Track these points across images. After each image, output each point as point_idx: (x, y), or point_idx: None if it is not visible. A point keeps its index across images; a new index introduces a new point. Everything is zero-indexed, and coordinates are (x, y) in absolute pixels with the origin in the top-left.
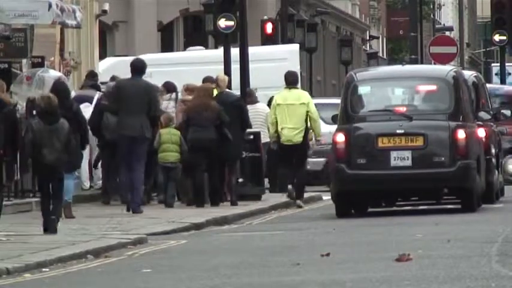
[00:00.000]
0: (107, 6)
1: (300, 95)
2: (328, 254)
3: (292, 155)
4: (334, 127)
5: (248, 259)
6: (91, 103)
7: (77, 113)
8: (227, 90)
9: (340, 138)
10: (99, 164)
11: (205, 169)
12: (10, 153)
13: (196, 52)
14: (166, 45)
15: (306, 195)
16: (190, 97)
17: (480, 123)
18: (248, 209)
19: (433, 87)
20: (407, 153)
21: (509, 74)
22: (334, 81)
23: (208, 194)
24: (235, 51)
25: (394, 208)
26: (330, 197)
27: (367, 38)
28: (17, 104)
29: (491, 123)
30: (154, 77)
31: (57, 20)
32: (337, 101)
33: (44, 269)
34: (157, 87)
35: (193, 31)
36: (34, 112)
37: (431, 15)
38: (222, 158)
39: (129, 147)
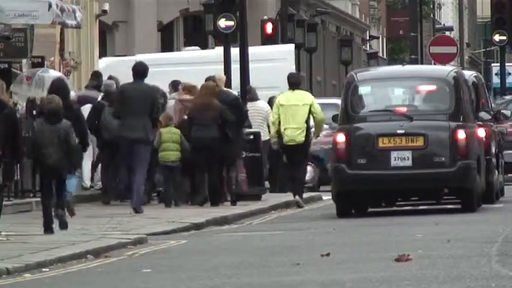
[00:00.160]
0: (107, 6)
1: (303, 96)
2: (328, 254)
3: (294, 154)
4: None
5: (248, 259)
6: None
7: (77, 113)
8: (225, 89)
9: (341, 138)
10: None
11: (205, 168)
12: (10, 153)
13: (193, 52)
14: (166, 45)
15: (306, 195)
16: (188, 96)
17: (480, 123)
18: (248, 209)
19: (434, 88)
20: (408, 154)
21: (509, 74)
22: (334, 81)
23: (208, 194)
24: (231, 52)
25: (394, 208)
26: (330, 197)
27: (367, 38)
28: (17, 104)
29: (491, 123)
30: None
31: (57, 20)
32: (338, 101)
33: (44, 269)
34: (159, 88)
35: (193, 31)
36: (34, 112)
37: (431, 15)
38: (222, 158)
39: (131, 149)
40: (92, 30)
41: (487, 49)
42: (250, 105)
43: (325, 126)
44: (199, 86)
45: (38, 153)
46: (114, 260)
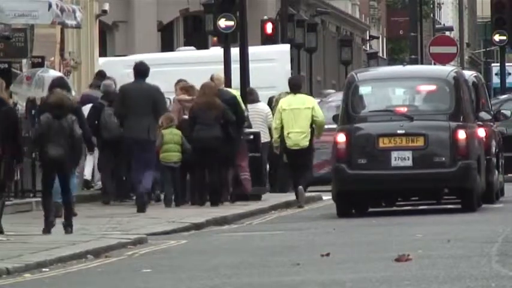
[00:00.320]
0: (107, 6)
1: (304, 99)
2: (328, 254)
3: (297, 158)
4: None
5: (248, 259)
6: None
7: (77, 111)
8: (222, 88)
9: (341, 138)
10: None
11: (205, 168)
12: (9, 152)
13: (188, 52)
14: (166, 45)
15: (306, 195)
16: (186, 96)
17: (480, 123)
18: (248, 209)
19: (434, 88)
20: (408, 154)
21: (509, 74)
22: (334, 81)
23: (208, 194)
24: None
25: (394, 208)
26: (330, 197)
27: (367, 38)
28: (17, 104)
29: (491, 123)
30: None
31: (57, 20)
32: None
33: (44, 269)
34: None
35: (193, 31)
36: (33, 112)
37: (431, 15)
38: (224, 157)
39: (136, 149)
40: (92, 30)
41: (487, 49)
42: (250, 107)
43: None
44: (196, 86)
45: (43, 146)
46: (114, 260)
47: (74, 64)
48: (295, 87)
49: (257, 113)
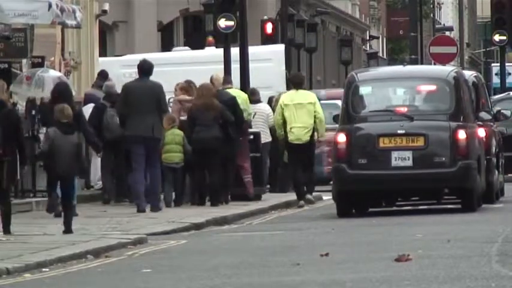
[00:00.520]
0: (107, 6)
1: (306, 95)
2: (327, 254)
3: (300, 154)
4: None
5: (248, 259)
6: None
7: (79, 115)
8: (221, 89)
9: (341, 138)
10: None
11: (205, 169)
12: (10, 153)
13: (183, 52)
14: (166, 45)
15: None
16: (186, 97)
17: (480, 123)
18: (248, 209)
19: (434, 88)
20: (408, 154)
21: (509, 74)
22: (334, 81)
23: (209, 194)
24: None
25: (394, 208)
26: (329, 197)
27: (367, 38)
28: (16, 104)
29: (491, 123)
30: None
31: (57, 20)
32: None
33: (44, 269)
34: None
35: (193, 31)
36: (33, 112)
37: (431, 15)
38: (224, 158)
39: (142, 147)
40: (92, 30)
41: (487, 49)
42: (252, 107)
43: None
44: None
45: (50, 160)
46: (114, 260)
47: (74, 64)
48: (298, 83)
49: (259, 113)
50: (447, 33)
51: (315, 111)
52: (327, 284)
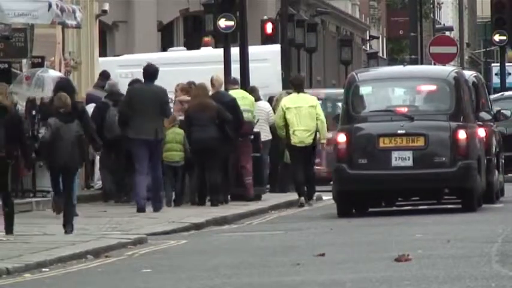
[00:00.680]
0: (107, 6)
1: (307, 98)
2: (323, 254)
3: (302, 154)
4: None
5: (248, 259)
6: None
7: (82, 112)
8: (222, 90)
9: (342, 138)
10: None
11: (205, 168)
12: (14, 156)
13: (179, 53)
14: (166, 45)
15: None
16: (187, 97)
17: (480, 123)
18: (248, 209)
19: (434, 88)
20: (408, 154)
21: (509, 74)
22: (334, 81)
23: (208, 194)
24: (221, 52)
25: (394, 208)
26: (330, 197)
27: (367, 38)
28: (17, 104)
29: (491, 123)
30: (136, 76)
31: (57, 20)
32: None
33: (44, 269)
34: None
35: (193, 31)
36: (33, 112)
37: (431, 15)
38: (223, 157)
39: (145, 150)
40: (92, 30)
41: (487, 49)
42: None
43: None
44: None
45: (51, 151)
46: (114, 260)
47: (74, 64)
48: (298, 86)
49: (258, 110)
50: (447, 33)
51: (316, 114)
52: (327, 284)
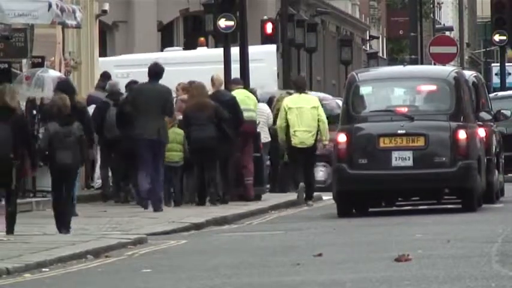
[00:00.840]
0: (107, 6)
1: (309, 99)
2: (320, 255)
3: (302, 156)
4: None
5: (248, 259)
6: None
7: (82, 112)
8: (222, 89)
9: (342, 138)
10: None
11: (204, 168)
12: (20, 157)
13: (176, 52)
14: (166, 45)
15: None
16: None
17: (480, 123)
18: (248, 209)
19: (434, 88)
20: (409, 154)
21: (509, 74)
22: (334, 81)
23: (208, 194)
24: (217, 52)
25: (394, 208)
26: (330, 197)
27: (367, 38)
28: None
29: (492, 123)
30: (133, 77)
31: (57, 20)
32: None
33: (44, 269)
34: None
35: (193, 31)
36: (34, 112)
37: (431, 15)
38: (223, 156)
39: (149, 150)
40: (92, 30)
41: (487, 49)
42: None
43: None
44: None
45: (52, 154)
46: (114, 260)
47: (74, 64)
48: (300, 87)
49: (259, 113)
50: (447, 33)
51: (318, 115)
52: (327, 284)
